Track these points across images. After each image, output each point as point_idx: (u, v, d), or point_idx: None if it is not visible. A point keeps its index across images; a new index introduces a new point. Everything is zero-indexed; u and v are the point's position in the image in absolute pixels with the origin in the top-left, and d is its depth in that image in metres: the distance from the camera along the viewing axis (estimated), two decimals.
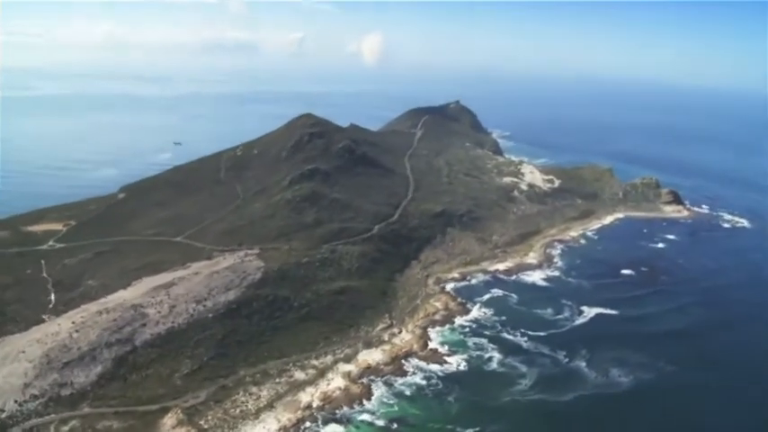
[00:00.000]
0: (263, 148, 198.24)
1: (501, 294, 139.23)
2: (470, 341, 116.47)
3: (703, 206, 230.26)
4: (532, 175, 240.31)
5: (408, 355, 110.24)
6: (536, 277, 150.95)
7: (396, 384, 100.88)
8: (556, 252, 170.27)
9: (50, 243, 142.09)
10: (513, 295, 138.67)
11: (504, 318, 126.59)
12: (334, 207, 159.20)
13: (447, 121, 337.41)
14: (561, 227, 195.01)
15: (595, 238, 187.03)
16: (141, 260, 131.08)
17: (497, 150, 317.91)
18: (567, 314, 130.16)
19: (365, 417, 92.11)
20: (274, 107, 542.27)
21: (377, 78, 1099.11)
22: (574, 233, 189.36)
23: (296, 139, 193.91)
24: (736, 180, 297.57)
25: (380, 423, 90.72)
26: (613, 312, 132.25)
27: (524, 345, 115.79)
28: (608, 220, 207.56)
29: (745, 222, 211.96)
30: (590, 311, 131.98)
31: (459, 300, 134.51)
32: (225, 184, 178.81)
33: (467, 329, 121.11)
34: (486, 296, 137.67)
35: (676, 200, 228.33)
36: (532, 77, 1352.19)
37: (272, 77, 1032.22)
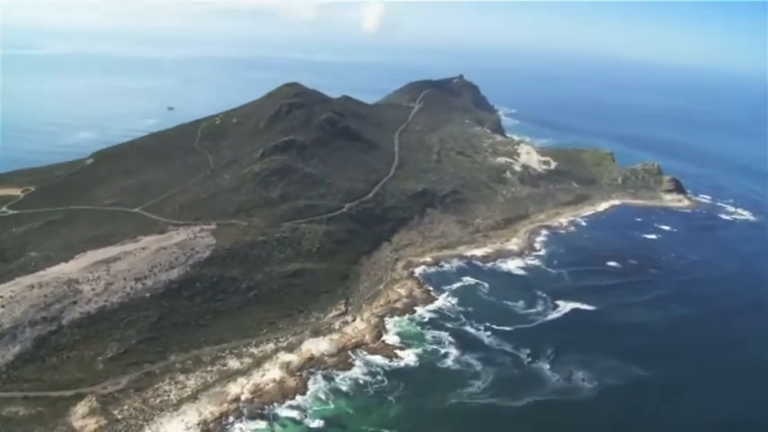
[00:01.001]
0: (242, 118, 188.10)
1: (473, 283, 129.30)
2: (429, 334, 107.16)
3: (705, 196, 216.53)
4: (528, 156, 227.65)
5: (358, 346, 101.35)
6: (513, 265, 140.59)
7: (336, 379, 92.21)
8: (540, 239, 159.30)
9: (3, 209, 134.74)
10: (485, 284, 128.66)
11: (470, 309, 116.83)
12: (305, 182, 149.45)
13: (448, 96, 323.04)
14: (551, 212, 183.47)
15: (585, 225, 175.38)
16: (91, 232, 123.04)
17: (498, 128, 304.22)
18: (539, 308, 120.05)
19: (294, 414, 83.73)
20: (279, 74, 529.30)
21: (390, 49, 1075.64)
22: (563, 219, 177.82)
23: (275, 110, 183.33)
24: (744, 169, 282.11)
25: (309, 422, 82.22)
26: (591, 308, 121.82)
27: (486, 340, 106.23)
28: (602, 206, 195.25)
29: (747, 215, 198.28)
30: (565, 306, 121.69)
31: (425, 287, 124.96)
32: (198, 153, 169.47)
33: (427, 320, 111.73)
34: (457, 284, 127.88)
35: (678, 188, 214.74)
36: (545, 55, 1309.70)
37: (286, 44, 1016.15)
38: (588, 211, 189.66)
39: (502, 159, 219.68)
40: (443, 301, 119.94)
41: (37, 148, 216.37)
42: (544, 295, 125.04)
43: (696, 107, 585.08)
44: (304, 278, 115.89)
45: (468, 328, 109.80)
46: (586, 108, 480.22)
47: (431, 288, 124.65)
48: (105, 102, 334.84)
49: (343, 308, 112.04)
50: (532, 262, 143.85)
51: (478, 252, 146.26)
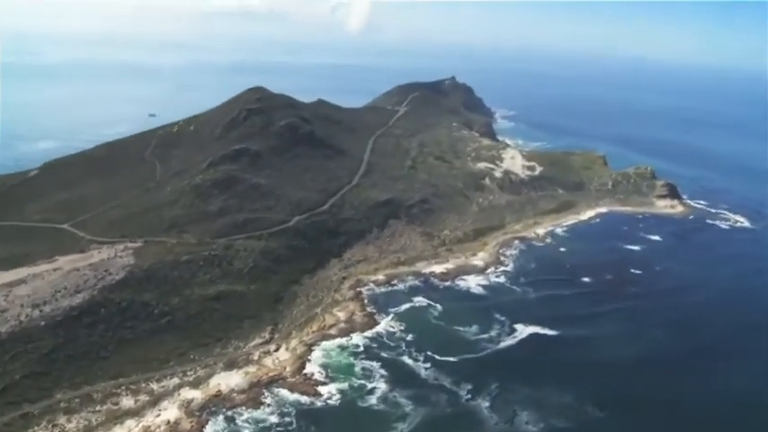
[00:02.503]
0: (200, 125, 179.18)
1: (424, 304, 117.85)
2: (359, 365, 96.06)
3: (701, 201, 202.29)
4: (512, 161, 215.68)
5: (274, 380, 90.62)
6: (474, 283, 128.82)
7: (239, 420, 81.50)
8: (510, 252, 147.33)
9: None
10: (437, 305, 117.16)
11: (413, 335, 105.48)
12: (251, 194, 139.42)
13: (437, 99, 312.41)
14: (529, 221, 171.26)
15: (564, 236, 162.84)
16: (6, 251, 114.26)
17: (488, 131, 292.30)
18: (493, 333, 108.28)
19: None
20: (279, 78, 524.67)
21: (398, 52, 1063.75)
22: (541, 230, 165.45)
23: (232, 116, 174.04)
24: (745, 170, 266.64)
25: None
26: (552, 333, 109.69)
27: (423, 373, 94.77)
28: (587, 214, 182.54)
29: (745, 222, 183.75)
30: (524, 331, 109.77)
31: (369, 309, 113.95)
32: (148, 164, 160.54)
33: (361, 349, 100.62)
34: (405, 306, 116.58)
35: (672, 193, 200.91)
36: (548, 55, 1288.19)
37: (294, 47, 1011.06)
38: (571, 219, 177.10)
39: (482, 165, 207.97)
40: (385, 325, 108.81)
41: None
42: (502, 318, 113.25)
43: (697, 105, 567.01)
44: (228, 302, 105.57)
45: (405, 359, 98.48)
46: (587, 109, 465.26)
47: (375, 311, 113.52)
48: (83, 110, 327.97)
49: (267, 335, 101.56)
50: (496, 279, 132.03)
51: (438, 268, 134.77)
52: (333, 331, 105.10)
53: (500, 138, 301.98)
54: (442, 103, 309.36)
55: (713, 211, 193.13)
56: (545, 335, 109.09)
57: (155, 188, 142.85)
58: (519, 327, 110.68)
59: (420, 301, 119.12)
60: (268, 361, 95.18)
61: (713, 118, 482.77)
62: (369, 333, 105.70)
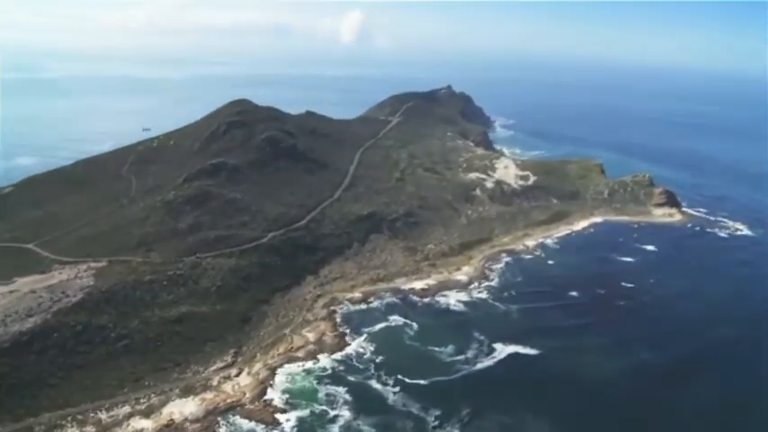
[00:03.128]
0: (180, 139, 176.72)
1: (400, 323, 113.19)
2: (323, 390, 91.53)
3: (701, 209, 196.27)
4: (505, 171, 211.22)
5: (232, 407, 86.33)
6: (455, 300, 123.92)
7: None
8: (497, 266, 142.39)
9: None
10: (413, 324, 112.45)
11: (384, 357, 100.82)
12: (226, 210, 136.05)
13: (433, 108, 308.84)
14: (519, 233, 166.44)
15: (555, 248, 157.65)
16: None
17: (484, 141, 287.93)
18: (470, 353, 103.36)
19: None
20: (275, 90, 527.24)
21: (396, 61, 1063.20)
22: (531, 242, 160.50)
23: (212, 130, 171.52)
24: (747, 175, 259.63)
25: None
26: (533, 352, 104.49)
27: (391, 399, 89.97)
28: (581, 225, 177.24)
29: (745, 229, 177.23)
30: (503, 350, 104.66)
31: (341, 329, 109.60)
32: (124, 180, 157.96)
33: (328, 372, 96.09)
34: (380, 325, 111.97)
35: (670, 201, 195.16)
36: (550, 62, 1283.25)
37: (294, 60, 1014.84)
38: (563, 230, 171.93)
39: (474, 175, 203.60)
40: (356, 346, 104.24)
41: None
42: (481, 337, 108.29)
43: (700, 110, 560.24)
44: (190, 324, 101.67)
45: (373, 383, 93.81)
46: (589, 115, 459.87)
47: (347, 331, 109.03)
48: (75, 125, 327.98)
49: (230, 359, 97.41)
50: (479, 295, 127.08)
51: (418, 285, 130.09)
52: (300, 353, 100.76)
53: (497, 147, 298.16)
54: (437, 112, 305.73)
55: (712, 218, 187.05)
56: (525, 355, 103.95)
57: (128, 205, 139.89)
58: (498, 346, 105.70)
59: (396, 319, 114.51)
60: (227, 386, 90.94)
61: (716, 122, 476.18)
62: (338, 355, 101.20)
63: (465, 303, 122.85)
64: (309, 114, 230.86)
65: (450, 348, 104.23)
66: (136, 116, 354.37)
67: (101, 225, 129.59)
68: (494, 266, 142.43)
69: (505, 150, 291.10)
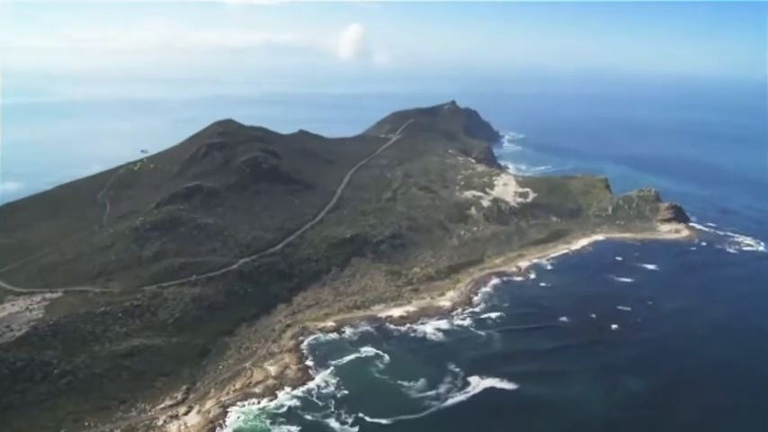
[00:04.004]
0: (161, 163, 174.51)
1: (371, 354, 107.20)
2: (276, 431, 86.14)
3: (710, 223, 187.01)
4: (504, 188, 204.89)
5: None
6: (434, 328, 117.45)
7: None
8: (484, 290, 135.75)
9: None
10: (385, 356, 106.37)
11: (348, 392, 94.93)
12: (196, 236, 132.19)
13: (435, 124, 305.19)
14: (513, 254, 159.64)
15: (549, 269, 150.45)
16: None
17: (488, 157, 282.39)
18: (442, 388, 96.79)
19: None
20: (287, 109, 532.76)
21: (419, 78, 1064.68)
22: (524, 263, 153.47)
23: (192, 152, 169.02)
24: (761, 187, 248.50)
25: None
26: (510, 387, 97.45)
27: None
28: (580, 243, 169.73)
29: (755, 245, 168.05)
30: (478, 384, 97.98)
31: (306, 362, 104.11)
32: (98, 205, 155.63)
33: (285, 410, 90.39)
34: (350, 356, 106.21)
35: (678, 216, 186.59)
36: (561, 75, 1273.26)
37: (317, 80, 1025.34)
38: (561, 250, 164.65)
39: (470, 194, 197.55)
40: (320, 380, 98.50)
41: None
42: (456, 369, 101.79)
43: (713, 119, 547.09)
44: (141, 358, 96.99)
45: (331, 422, 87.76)
46: (600, 128, 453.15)
47: (312, 363, 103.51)
48: (72, 148, 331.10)
49: (181, 396, 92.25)
50: (461, 322, 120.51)
51: (397, 312, 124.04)
52: (257, 389, 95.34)
53: (502, 163, 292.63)
54: (440, 128, 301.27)
55: (722, 233, 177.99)
56: (502, 389, 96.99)
57: (98, 232, 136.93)
58: (474, 380, 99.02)
59: (367, 350, 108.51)
60: (173, 427, 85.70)
61: (730, 130, 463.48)
62: (299, 390, 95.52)
63: (444, 332, 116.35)
64: (302, 133, 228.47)
65: (420, 383, 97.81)
66: (136, 138, 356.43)
67: (66, 253, 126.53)
68: (481, 290, 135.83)
69: (510, 166, 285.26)
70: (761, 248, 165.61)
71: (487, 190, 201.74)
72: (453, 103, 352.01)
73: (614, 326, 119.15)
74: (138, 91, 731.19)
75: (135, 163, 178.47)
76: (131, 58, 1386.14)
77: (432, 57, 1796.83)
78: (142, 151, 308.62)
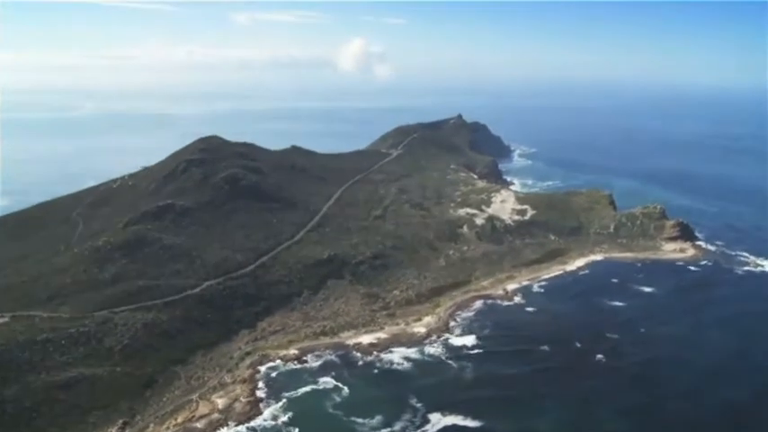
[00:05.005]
0: (140, 180, 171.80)
1: (330, 386, 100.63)
2: None
3: (718, 242, 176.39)
4: (501, 205, 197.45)
5: None
6: (402, 356, 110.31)
7: None
8: (464, 315, 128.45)
9: None
10: (344, 388, 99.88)
11: (296, 429, 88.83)
12: (160, 257, 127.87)
13: (440, 139, 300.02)
14: (502, 276, 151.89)
15: (540, 292, 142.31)
16: None
17: (493, 172, 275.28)
18: (398, 426, 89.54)
19: None
20: (295, 124, 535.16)
21: (439, 92, 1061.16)
22: (513, 285, 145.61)
23: (170, 169, 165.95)
24: None
25: None
26: (474, 425, 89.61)
27: None
28: (577, 264, 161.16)
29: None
30: (439, 422, 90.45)
31: (258, 394, 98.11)
32: (71, 224, 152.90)
33: None
34: (306, 388, 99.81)
35: (684, 234, 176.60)
36: (579, 87, 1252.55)
37: (335, 94, 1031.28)
38: (555, 271, 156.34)
39: (464, 211, 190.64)
40: (269, 415, 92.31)
41: None
42: (418, 404, 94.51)
43: (730, 131, 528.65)
44: (79, 389, 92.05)
45: None
46: (616, 142, 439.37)
47: (265, 395, 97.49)
48: (74, 164, 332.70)
49: (116, 430, 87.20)
50: (433, 350, 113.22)
51: (367, 339, 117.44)
52: (200, 424, 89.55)
53: (508, 178, 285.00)
54: (444, 143, 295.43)
55: (731, 253, 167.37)
56: (464, 427, 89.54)
57: (63, 252, 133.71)
58: (435, 416, 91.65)
59: (326, 382, 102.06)
60: None
61: (749, 144, 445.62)
62: (243, 427, 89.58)
63: (413, 361, 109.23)
64: (294, 149, 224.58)
65: (376, 420, 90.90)
66: (140, 153, 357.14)
67: (23, 274, 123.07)
68: (461, 315, 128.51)
69: (516, 181, 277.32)
70: None
71: (483, 207, 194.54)
72: (459, 117, 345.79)
73: (599, 356, 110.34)
74: (154, 106, 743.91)
75: (115, 180, 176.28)
76: (157, 75, 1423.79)
77: (453, 71, 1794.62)
78: (143, 167, 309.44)
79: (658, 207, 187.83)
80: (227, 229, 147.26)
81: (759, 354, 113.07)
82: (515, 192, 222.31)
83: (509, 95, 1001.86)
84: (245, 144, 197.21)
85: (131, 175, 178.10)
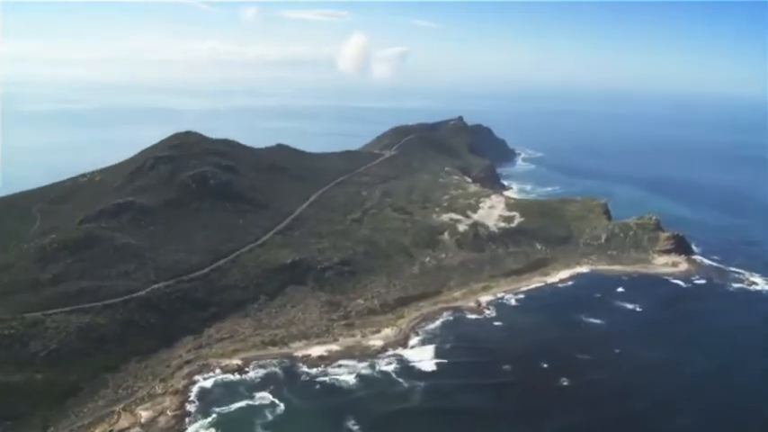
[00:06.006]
0: (108, 175, 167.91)
1: (266, 402, 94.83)
2: None
3: (715, 256, 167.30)
4: (489, 211, 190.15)
5: None
6: (352, 372, 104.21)
7: None
8: (428, 328, 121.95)
9: None
10: (280, 405, 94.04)
11: None
12: (109, 257, 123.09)
13: (437, 141, 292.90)
14: (477, 287, 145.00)
15: (514, 305, 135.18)
16: None
17: (490, 176, 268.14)
18: None
19: None
20: (307, 122, 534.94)
21: (457, 95, 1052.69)
22: (487, 297, 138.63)
23: (137, 165, 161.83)
24: None
25: None
26: None
27: None
28: (560, 276, 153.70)
29: (764, 285, 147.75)
30: None
31: (187, 407, 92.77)
32: (32, 221, 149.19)
33: None
34: (240, 403, 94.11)
35: (679, 247, 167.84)
36: (592, 94, 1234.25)
37: (351, 93, 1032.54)
38: (535, 283, 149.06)
39: (447, 217, 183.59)
40: None
41: None
42: (355, 427, 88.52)
43: (747, 141, 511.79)
44: None
45: None
46: (627, 148, 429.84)
47: (194, 409, 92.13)
48: (64, 157, 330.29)
49: None
50: (385, 367, 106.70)
51: (318, 350, 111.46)
52: None
53: (506, 182, 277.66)
54: (442, 145, 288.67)
55: (726, 268, 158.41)
56: None
57: (12, 249, 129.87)
58: None
59: (263, 397, 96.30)
60: None
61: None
62: None
63: (361, 378, 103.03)
64: (279, 147, 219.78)
65: None
66: (137, 147, 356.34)
67: None
68: (424, 329, 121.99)
69: (514, 186, 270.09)
70: (767, 288, 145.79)
71: (469, 213, 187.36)
72: (460, 118, 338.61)
73: (564, 381, 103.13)
74: (165, 101, 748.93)
75: (84, 175, 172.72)
76: (176, 70, 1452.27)
77: (477, 73, 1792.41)
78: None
79: (653, 218, 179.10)
80: (188, 229, 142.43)
81: (734, 384, 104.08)
82: (507, 197, 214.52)
83: (529, 99, 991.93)
84: (225, 141, 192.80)
85: (101, 171, 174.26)
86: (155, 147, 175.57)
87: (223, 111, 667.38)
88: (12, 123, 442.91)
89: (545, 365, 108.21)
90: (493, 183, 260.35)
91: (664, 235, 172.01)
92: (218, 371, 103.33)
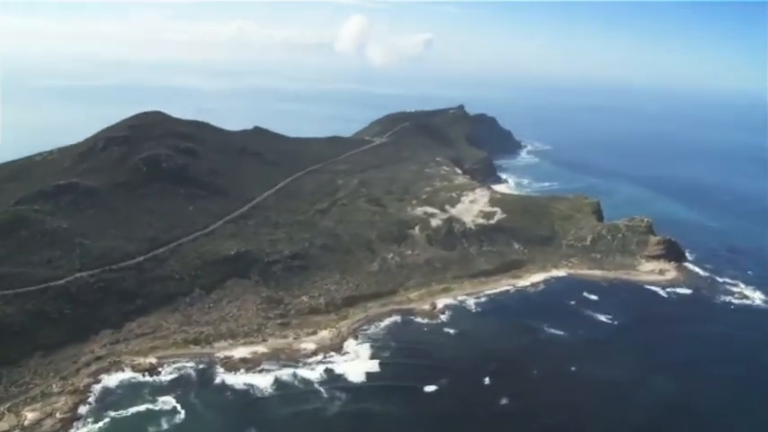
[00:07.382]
0: (62, 155, 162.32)
1: (168, 407, 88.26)
2: None
3: (707, 264, 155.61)
4: (468, 206, 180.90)
5: None
6: (272, 378, 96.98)
7: None
8: (369, 332, 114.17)
9: None
10: (182, 412, 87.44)
11: None
12: (35, 242, 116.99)
13: (433, 129, 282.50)
14: (438, 288, 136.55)
15: (473, 310, 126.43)
16: None
17: (485, 168, 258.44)
18: None
19: None
20: (311, 106, 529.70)
21: (469, 84, 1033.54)
22: (446, 300, 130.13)
23: (89, 146, 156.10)
24: None
25: None
26: None
27: None
28: (533, 279, 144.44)
29: (756, 297, 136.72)
30: None
31: (81, 410, 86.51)
32: None
33: None
34: (141, 407, 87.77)
35: (670, 253, 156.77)
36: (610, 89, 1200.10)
37: (370, 79, 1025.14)
38: (503, 286, 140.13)
39: (422, 210, 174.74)
40: None
41: None
42: None
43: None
44: None
45: None
46: (642, 146, 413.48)
47: (87, 411, 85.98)
48: (59, 134, 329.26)
49: None
50: (310, 374, 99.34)
51: (242, 352, 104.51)
52: None
53: (503, 176, 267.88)
54: (438, 134, 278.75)
55: (718, 279, 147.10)
56: None
57: None
58: None
59: (166, 402, 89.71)
60: None
61: None
62: None
63: (280, 385, 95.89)
64: (258, 131, 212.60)
65: None
66: None
67: None
68: (366, 333, 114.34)
69: (511, 180, 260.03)
70: (758, 302, 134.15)
71: (447, 207, 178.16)
72: (461, 107, 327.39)
73: (504, 399, 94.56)
74: (180, 80, 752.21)
75: (40, 154, 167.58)
76: (197, 51, 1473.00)
77: (490, 62, 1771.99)
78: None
79: (645, 220, 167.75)
80: (131, 215, 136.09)
81: (698, 413, 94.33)
82: (493, 191, 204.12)
83: (549, 92, 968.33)
84: (193, 122, 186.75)
85: (60, 150, 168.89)
86: (112, 127, 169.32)
87: (242, 91, 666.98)
88: (22, 97, 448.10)
89: (487, 381, 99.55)
90: (486, 176, 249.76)
91: (654, 239, 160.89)
92: (127, 370, 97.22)
